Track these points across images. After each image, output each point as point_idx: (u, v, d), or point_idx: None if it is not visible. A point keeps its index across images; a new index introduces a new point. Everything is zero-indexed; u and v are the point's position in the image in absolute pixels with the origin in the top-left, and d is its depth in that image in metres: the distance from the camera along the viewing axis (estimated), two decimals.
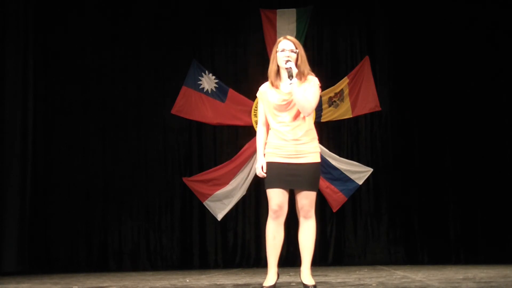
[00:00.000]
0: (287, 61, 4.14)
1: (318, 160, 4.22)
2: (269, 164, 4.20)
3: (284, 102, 4.16)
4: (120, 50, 8.45)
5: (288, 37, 4.29)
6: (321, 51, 8.48)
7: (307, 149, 4.17)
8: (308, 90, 4.13)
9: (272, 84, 4.24)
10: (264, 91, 4.29)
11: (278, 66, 4.24)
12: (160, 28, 8.48)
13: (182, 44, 8.47)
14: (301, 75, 4.18)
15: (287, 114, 4.16)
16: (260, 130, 4.32)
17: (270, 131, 4.27)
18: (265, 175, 4.22)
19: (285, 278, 5.52)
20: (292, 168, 4.13)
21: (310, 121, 4.22)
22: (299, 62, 4.19)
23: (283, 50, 4.18)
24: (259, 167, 4.24)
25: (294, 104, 4.13)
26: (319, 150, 4.27)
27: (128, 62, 8.45)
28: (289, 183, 4.16)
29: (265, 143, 4.28)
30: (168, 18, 8.48)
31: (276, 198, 4.17)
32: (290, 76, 4.08)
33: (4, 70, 7.77)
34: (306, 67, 4.22)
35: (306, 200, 4.16)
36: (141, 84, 8.43)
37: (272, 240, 4.22)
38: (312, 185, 4.16)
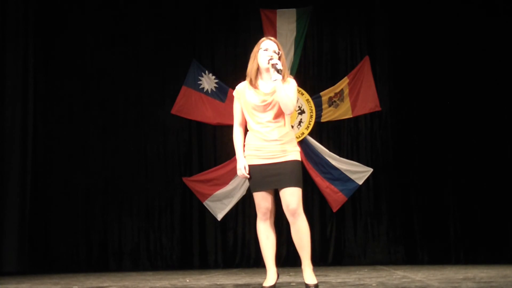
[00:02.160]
0: (271, 58, 4.10)
1: (299, 158, 4.19)
2: (251, 167, 4.17)
3: (264, 103, 4.13)
4: (120, 50, 8.45)
5: (271, 38, 4.28)
6: (321, 51, 8.48)
7: (289, 148, 4.14)
8: (288, 90, 4.10)
9: (251, 84, 4.21)
10: (242, 90, 4.24)
11: (258, 65, 4.19)
12: (160, 28, 8.48)
13: (182, 44, 8.47)
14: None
15: (267, 114, 4.14)
16: (236, 130, 4.29)
17: (248, 132, 4.24)
18: (248, 176, 4.19)
19: (285, 278, 5.52)
20: (276, 167, 4.11)
21: (288, 124, 4.21)
22: (281, 63, 4.15)
23: (266, 50, 4.15)
24: (241, 168, 4.19)
25: (274, 105, 4.11)
26: (299, 150, 4.25)
27: (128, 62, 8.45)
28: (274, 183, 4.13)
29: (244, 145, 4.26)
30: (168, 18, 8.48)
31: (263, 201, 4.17)
32: (280, 70, 4.02)
33: (4, 70, 7.77)
34: (286, 70, 4.19)
35: (293, 197, 4.10)
36: (141, 84, 8.44)
37: (266, 240, 4.22)
38: (297, 182, 4.12)
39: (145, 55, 8.47)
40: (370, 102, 8.27)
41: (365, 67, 8.34)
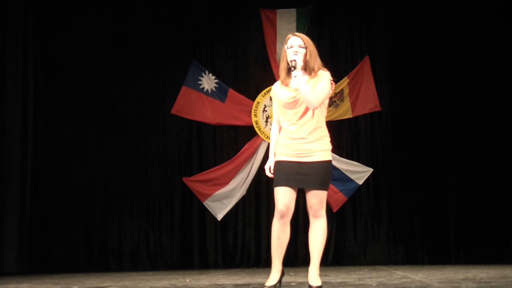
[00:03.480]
0: (295, 54, 4.10)
1: (328, 158, 4.13)
2: (278, 163, 4.15)
3: (292, 100, 4.11)
4: (120, 50, 8.45)
5: (297, 33, 4.25)
6: (321, 51, 8.41)
7: (315, 147, 4.09)
8: (317, 85, 4.09)
9: (283, 82, 4.22)
10: (276, 88, 4.26)
11: (288, 63, 4.19)
12: (160, 28, 8.48)
13: (182, 44, 8.47)
14: (310, 71, 4.13)
15: (296, 111, 4.11)
16: (273, 128, 4.28)
17: (281, 130, 4.23)
18: (271, 175, 4.19)
19: (285, 278, 5.49)
20: (301, 167, 4.08)
21: (319, 119, 4.13)
22: (307, 57, 4.13)
23: (291, 47, 4.15)
24: (266, 168, 4.23)
25: (302, 102, 4.09)
26: (330, 148, 4.17)
27: (128, 62, 8.45)
28: (298, 182, 4.11)
29: (277, 142, 4.26)
30: (168, 18, 8.48)
31: (283, 197, 4.12)
32: (293, 67, 4.03)
33: (4, 70, 7.77)
34: (316, 62, 4.16)
35: (315, 199, 4.10)
36: (141, 84, 8.43)
37: (277, 239, 4.18)
38: (321, 184, 4.09)
39: (145, 55, 8.47)
40: (370, 102, 8.28)
41: (365, 67, 8.34)
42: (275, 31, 8.28)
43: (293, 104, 4.12)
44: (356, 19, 8.51)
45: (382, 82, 8.37)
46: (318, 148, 4.11)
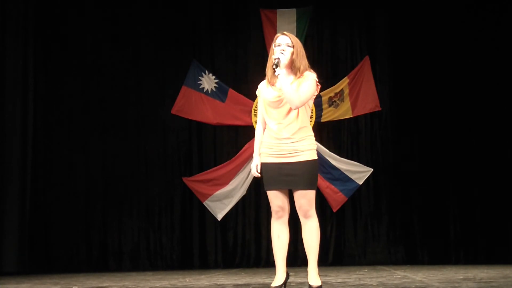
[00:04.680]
0: (281, 52, 4.08)
1: (314, 157, 4.11)
2: (264, 165, 4.15)
3: (277, 99, 4.09)
4: (120, 50, 8.45)
5: (285, 32, 4.22)
6: (321, 51, 8.48)
7: (301, 147, 4.07)
8: (301, 85, 4.06)
9: (269, 81, 4.20)
10: (261, 87, 4.24)
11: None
12: (160, 28, 8.48)
13: (182, 44, 8.47)
14: (296, 70, 4.11)
15: (280, 111, 4.09)
16: (257, 128, 4.26)
17: (265, 129, 4.21)
18: (259, 175, 4.18)
19: None
20: (287, 167, 4.07)
21: (304, 119, 4.11)
22: (294, 56, 4.10)
23: (279, 45, 4.12)
24: (253, 167, 4.20)
25: (287, 101, 4.06)
26: (315, 147, 4.16)
27: (128, 62, 8.45)
28: (286, 183, 4.10)
29: (261, 142, 4.25)
30: (168, 18, 8.48)
31: (276, 199, 4.14)
32: (275, 65, 4.01)
33: (4, 70, 7.78)
34: (302, 62, 4.12)
35: (304, 200, 4.09)
36: (141, 84, 8.44)
37: (277, 240, 4.19)
38: (308, 184, 4.09)
39: (145, 55, 8.48)
40: (370, 102, 8.27)
41: (365, 67, 8.34)
42: (275, 31, 8.25)
43: (278, 103, 4.10)
44: (356, 19, 8.51)
45: (382, 82, 8.37)
46: (303, 148, 4.09)
